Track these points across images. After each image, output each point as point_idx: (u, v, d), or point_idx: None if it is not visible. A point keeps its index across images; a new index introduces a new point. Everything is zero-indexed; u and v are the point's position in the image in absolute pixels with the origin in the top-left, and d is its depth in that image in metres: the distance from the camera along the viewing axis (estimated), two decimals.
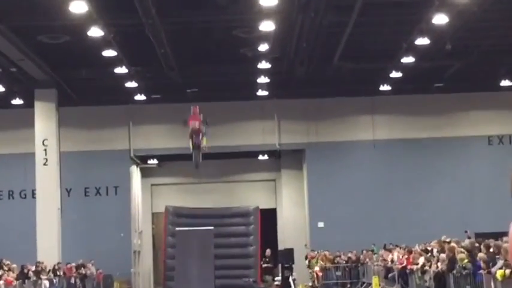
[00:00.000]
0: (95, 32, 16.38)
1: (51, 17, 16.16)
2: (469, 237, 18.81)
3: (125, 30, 18.16)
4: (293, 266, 24.15)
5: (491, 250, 14.65)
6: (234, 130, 26.03)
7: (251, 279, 22.60)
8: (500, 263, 12.99)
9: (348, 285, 23.73)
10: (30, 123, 22.91)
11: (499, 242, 14.13)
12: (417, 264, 18.80)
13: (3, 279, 18.74)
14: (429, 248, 18.97)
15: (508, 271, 12.48)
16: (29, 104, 22.94)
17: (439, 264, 16.88)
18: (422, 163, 26.57)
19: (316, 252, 24.91)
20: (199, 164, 20.82)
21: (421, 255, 19.11)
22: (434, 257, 17.96)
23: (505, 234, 9.95)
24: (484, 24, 18.98)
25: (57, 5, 14.99)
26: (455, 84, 24.36)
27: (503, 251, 12.98)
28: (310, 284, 24.62)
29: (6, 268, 19.79)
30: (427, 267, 17.98)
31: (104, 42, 17.72)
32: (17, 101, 23.21)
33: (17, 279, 19.30)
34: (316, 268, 23.60)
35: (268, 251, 24.91)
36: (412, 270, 19.33)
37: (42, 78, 21.84)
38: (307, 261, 25.31)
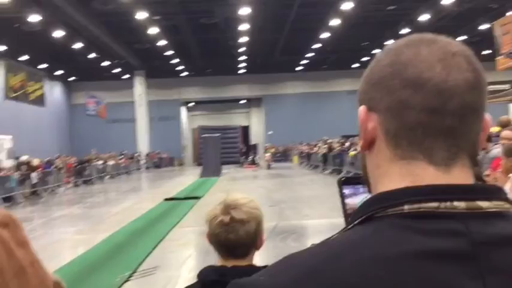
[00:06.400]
0: None
1: None
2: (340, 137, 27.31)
3: None
4: (257, 153, 36.78)
5: (347, 143, 21.72)
6: (228, 88, 40.20)
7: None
8: (353, 150, 18.67)
9: (283, 160, 36.72)
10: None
11: (355, 139, 18.06)
12: (315, 150, 27.28)
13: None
14: (320, 143, 26.91)
15: (354, 152, 17.63)
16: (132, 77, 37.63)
17: (324, 149, 24.45)
18: (321, 99, 38.87)
19: (268, 144, 36.90)
20: None
21: (316, 146, 27.79)
22: (321, 146, 25.45)
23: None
24: None
25: None
26: None
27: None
28: (265, 162, 32.57)
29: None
30: (319, 151, 25.76)
31: None
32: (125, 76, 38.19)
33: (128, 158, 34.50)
34: (267, 154, 33.80)
35: (243, 145, 37.59)
36: (312, 153, 27.85)
37: None
38: (264, 150, 36.59)
